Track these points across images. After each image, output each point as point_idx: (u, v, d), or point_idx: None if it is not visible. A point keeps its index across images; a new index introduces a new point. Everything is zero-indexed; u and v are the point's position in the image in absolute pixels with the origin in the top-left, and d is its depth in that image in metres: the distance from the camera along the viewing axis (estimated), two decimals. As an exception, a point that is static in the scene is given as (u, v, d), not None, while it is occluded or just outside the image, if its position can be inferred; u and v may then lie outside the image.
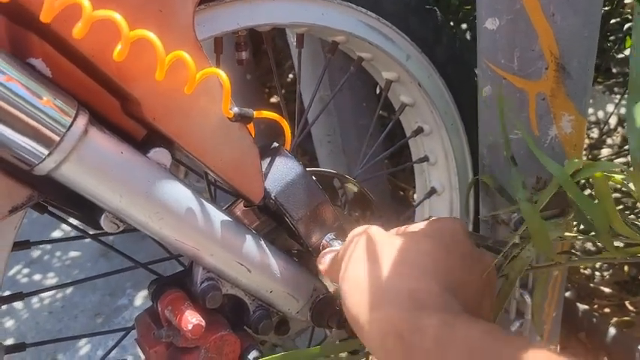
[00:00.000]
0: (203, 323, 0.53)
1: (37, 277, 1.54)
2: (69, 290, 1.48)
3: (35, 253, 1.62)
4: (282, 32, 1.59)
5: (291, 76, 2.10)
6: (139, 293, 1.45)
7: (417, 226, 0.54)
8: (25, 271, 1.57)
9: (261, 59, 2.14)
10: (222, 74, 0.48)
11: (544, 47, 0.59)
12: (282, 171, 0.61)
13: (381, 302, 0.45)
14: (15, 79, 0.41)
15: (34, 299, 1.46)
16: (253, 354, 0.60)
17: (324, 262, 0.58)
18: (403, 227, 0.56)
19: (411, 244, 0.49)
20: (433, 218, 0.57)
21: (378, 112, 0.87)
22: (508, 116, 0.66)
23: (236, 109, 0.51)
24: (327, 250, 0.60)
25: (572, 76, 0.61)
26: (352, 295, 0.47)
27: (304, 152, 1.47)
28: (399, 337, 0.42)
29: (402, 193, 1.57)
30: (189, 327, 0.52)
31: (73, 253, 1.61)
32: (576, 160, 0.61)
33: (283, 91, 2.09)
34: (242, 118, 0.52)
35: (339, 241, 0.63)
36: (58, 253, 1.61)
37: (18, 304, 1.44)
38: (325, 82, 1.03)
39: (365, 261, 0.48)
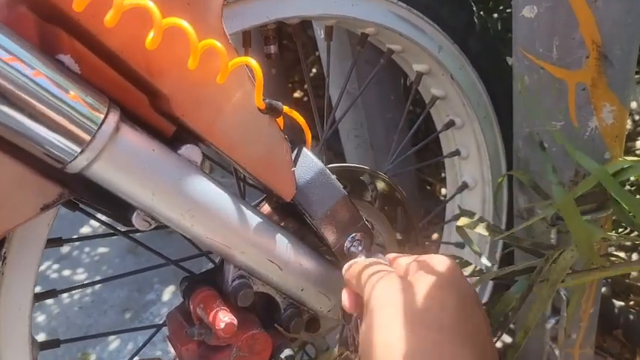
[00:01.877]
0: (235, 322, 0.52)
1: (66, 272, 1.56)
2: (98, 286, 1.50)
3: (65, 249, 1.64)
4: (304, 26, 1.57)
5: (314, 70, 2.08)
6: (166, 289, 1.46)
7: (426, 276, 0.45)
8: (55, 266, 1.59)
9: (283, 54, 2.13)
10: (253, 63, 0.47)
11: (585, 35, 0.56)
12: (301, 170, 0.59)
13: None
14: (45, 74, 0.41)
15: (65, 295, 1.48)
16: (285, 352, 0.59)
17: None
18: (413, 269, 0.47)
19: (435, 301, 0.42)
20: (428, 261, 0.47)
21: (409, 105, 0.85)
22: (545, 108, 0.64)
23: (267, 101, 0.50)
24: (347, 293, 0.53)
25: (615, 64, 0.58)
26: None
27: (329, 148, 1.46)
28: None
29: (428, 187, 1.55)
30: (222, 326, 0.52)
31: (101, 250, 1.62)
32: (620, 159, 0.58)
33: (305, 87, 2.08)
34: (272, 111, 0.51)
35: (362, 249, 0.60)
36: (87, 250, 1.63)
37: (49, 300, 1.46)
38: (352, 75, 1.01)
39: (394, 325, 0.42)
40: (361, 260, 0.54)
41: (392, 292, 0.44)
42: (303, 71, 0.73)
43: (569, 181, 0.67)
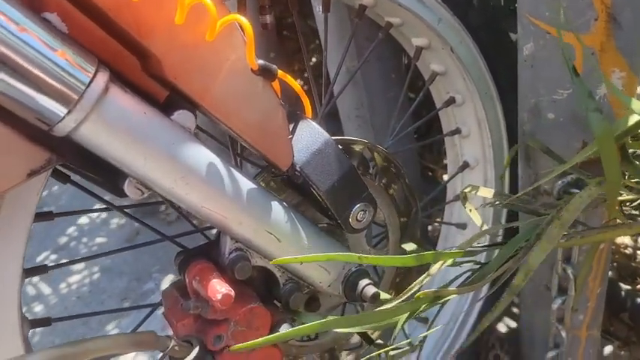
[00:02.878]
0: (232, 293, 0.51)
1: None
2: (96, 276, 1.48)
3: (62, 239, 1.62)
4: (305, 16, 1.56)
5: (314, 59, 2.06)
6: (165, 278, 1.44)
7: None
8: (53, 257, 1.57)
9: (284, 44, 2.12)
10: (243, 20, 0.45)
11: (593, -5, 0.54)
12: (307, 140, 0.58)
13: None
14: (30, 30, 0.39)
15: (62, 284, 1.46)
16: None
17: None
18: None
19: None
20: None
21: (408, 81, 0.83)
22: (551, 75, 0.62)
23: (260, 61, 0.48)
24: None
25: (624, 28, 0.56)
26: None
27: (331, 132, 1.44)
28: None
29: (430, 173, 1.53)
30: (219, 297, 0.50)
31: (99, 240, 1.61)
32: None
33: (306, 75, 2.06)
34: (266, 72, 0.49)
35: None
36: (84, 240, 1.62)
37: (46, 289, 1.45)
38: (352, 52, 0.99)
39: None
40: None
41: None
42: (299, 39, 0.71)
43: (575, 152, 0.65)
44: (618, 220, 0.61)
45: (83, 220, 1.66)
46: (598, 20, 0.55)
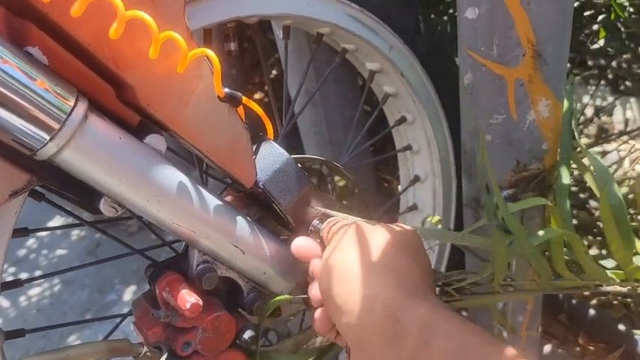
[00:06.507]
0: (200, 302, 0.55)
1: (23, 275, 1.53)
2: (57, 288, 1.48)
3: (21, 252, 1.61)
4: (265, 30, 1.61)
5: (274, 72, 2.12)
6: (127, 289, 1.45)
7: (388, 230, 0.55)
8: (12, 270, 1.56)
9: (243, 57, 2.16)
10: (211, 54, 0.50)
11: (521, 34, 0.62)
12: (269, 159, 0.63)
13: (375, 284, 0.48)
14: (12, 62, 0.43)
15: (22, 297, 1.46)
16: (248, 333, 0.62)
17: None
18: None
19: (395, 245, 0.52)
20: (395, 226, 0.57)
21: (363, 102, 0.90)
22: (487, 103, 0.69)
23: (226, 90, 0.53)
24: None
25: (548, 61, 0.64)
26: (341, 279, 0.50)
27: (292, 147, 1.49)
28: (392, 316, 0.45)
29: (386, 184, 1.60)
30: (188, 305, 0.54)
31: (59, 252, 1.61)
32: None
33: (265, 88, 2.11)
34: (232, 99, 0.54)
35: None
36: (44, 252, 1.61)
37: (5, 303, 1.44)
38: (311, 75, 1.05)
39: (357, 251, 0.51)
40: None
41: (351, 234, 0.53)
42: (262, 62, 0.76)
43: (511, 170, 0.73)
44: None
45: (43, 232, 1.65)
46: (525, 55, 0.63)
